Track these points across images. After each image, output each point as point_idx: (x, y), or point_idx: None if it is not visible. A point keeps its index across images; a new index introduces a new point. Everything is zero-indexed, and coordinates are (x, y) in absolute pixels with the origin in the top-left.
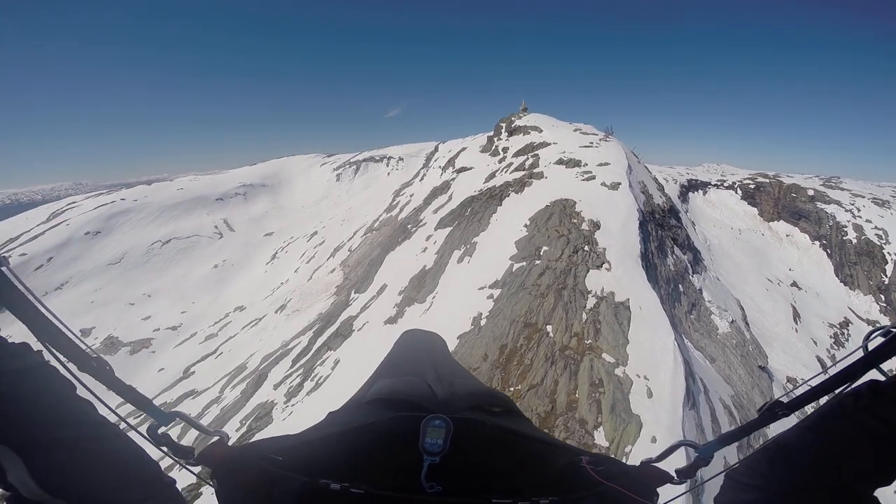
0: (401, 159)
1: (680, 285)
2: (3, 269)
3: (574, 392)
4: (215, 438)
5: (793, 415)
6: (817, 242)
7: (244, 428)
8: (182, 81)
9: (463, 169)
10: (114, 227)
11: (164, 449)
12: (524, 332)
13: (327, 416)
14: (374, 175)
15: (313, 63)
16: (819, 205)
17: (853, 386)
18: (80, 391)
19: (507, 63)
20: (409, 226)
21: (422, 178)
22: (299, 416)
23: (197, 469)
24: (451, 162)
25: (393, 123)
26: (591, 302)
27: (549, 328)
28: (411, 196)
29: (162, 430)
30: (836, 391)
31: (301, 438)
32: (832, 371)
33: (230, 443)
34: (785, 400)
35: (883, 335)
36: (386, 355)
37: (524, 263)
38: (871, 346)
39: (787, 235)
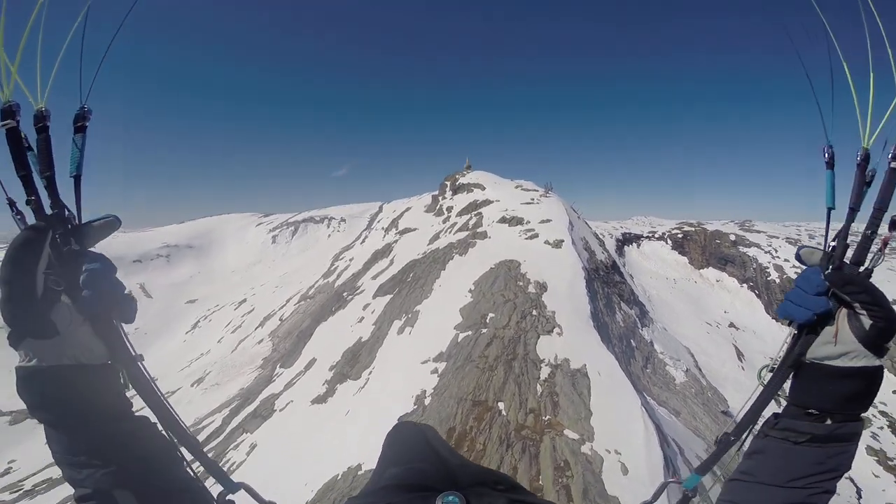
0: (343, 220)
1: (632, 340)
2: (140, 364)
3: (537, 478)
4: None
5: (743, 437)
6: (745, 285)
7: None
8: (102, 130)
9: (406, 230)
10: None
11: None
12: (473, 411)
13: (347, 501)
14: (314, 237)
15: (255, 120)
16: (741, 249)
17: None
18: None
19: (451, 125)
20: (344, 293)
21: (363, 241)
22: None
23: None
24: (394, 223)
25: (339, 183)
26: (544, 372)
27: (500, 405)
28: (350, 260)
29: (229, 497)
30: (759, 416)
31: None
32: (749, 403)
33: None
34: (730, 430)
35: (770, 370)
36: (384, 448)
37: (470, 333)
38: (766, 379)
39: (718, 281)
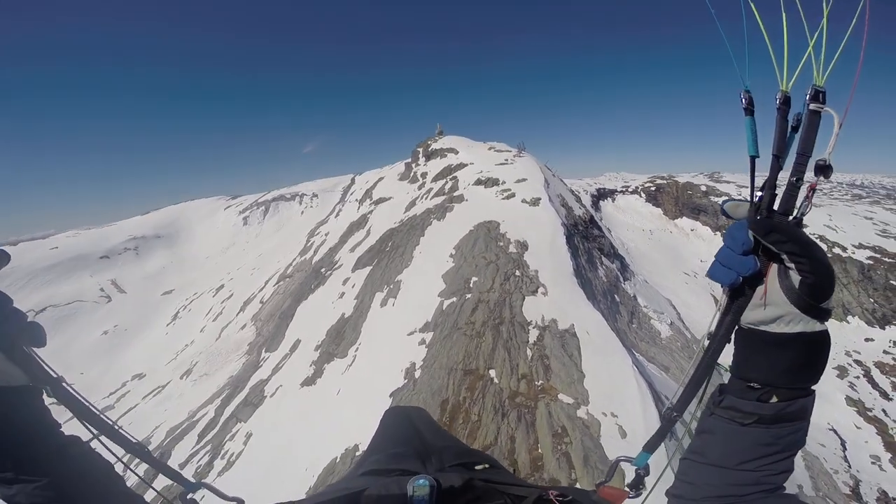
0: (315, 196)
1: (615, 295)
2: (64, 384)
3: (535, 447)
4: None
5: (686, 413)
6: (718, 233)
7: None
8: (55, 123)
9: (381, 200)
10: None
11: None
12: (465, 380)
13: (326, 487)
14: (287, 215)
15: (216, 99)
16: (712, 198)
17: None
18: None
19: (421, 88)
20: (323, 269)
21: (337, 214)
22: (211, 500)
23: None
24: (368, 193)
25: (308, 159)
26: (533, 334)
27: (492, 373)
28: (326, 235)
29: (190, 496)
30: (701, 387)
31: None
32: (689, 375)
33: None
34: (672, 404)
35: (708, 338)
36: (374, 435)
37: (454, 299)
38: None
39: (692, 230)
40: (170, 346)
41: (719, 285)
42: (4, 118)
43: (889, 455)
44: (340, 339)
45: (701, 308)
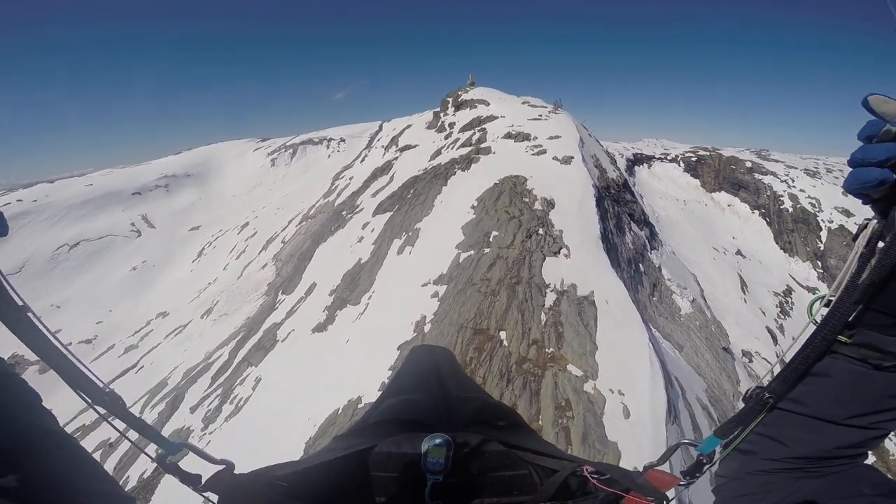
0: (342, 140)
1: (640, 264)
2: (29, 314)
3: (536, 417)
4: (221, 467)
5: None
6: (756, 211)
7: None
8: (106, 65)
9: (407, 147)
10: (10, 234)
11: (174, 476)
12: (474, 340)
13: (332, 439)
14: (313, 159)
15: (251, 44)
16: (757, 176)
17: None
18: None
19: (456, 39)
20: (343, 213)
21: (363, 160)
22: (217, 445)
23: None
24: (394, 140)
25: (339, 105)
26: (550, 298)
27: (502, 335)
28: (350, 179)
29: (170, 458)
30: (809, 370)
31: (307, 463)
32: (795, 347)
33: (236, 470)
34: (766, 382)
35: (826, 305)
36: (393, 374)
37: (472, 252)
38: (819, 317)
39: (729, 205)
40: (193, 284)
41: (741, 267)
42: (59, 67)
43: None
44: (355, 285)
45: (724, 286)
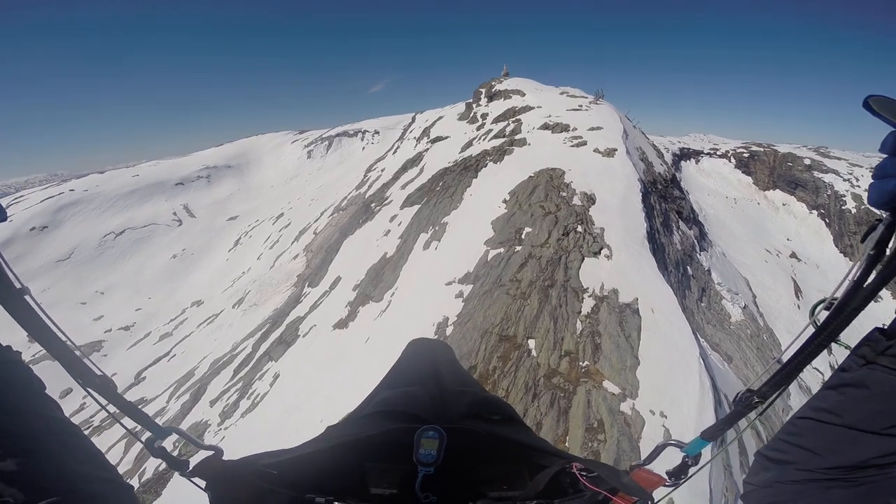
0: (377, 132)
1: (688, 267)
2: (27, 297)
3: (563, 439)
4: (210, 453)
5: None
6: (815, 212)
7: (175, 451)
8: (157, 65)
9: (438, 139)
10: (62, 221)
11: (162, 460)
12: (499, 348)
13: (326, 429)
14: (349, 150)
15: (294, 37)
16: (816, 174)
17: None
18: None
19: (491, 28)
20: (372, 204)
21: (395, 151)
22: (230, 441)
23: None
24: (425, 132)
25: (375, 98)
26: (587, 305)
27: (531, 344)
28: (382, 171)
29: (158, 443)
30: (801, 370)
31: (298, 452)
32: (790, 351)
33: (224, 457)
34: (756, 387)
35: (826, 308)
36: (392, 366)
37: (502, 250)
38: (820, 319)
39: (784, 205)
40: (228, 273)
41: (796, 270)
42: (112, 66)
43: None
44: (379, 280)
45: (777, 291)
